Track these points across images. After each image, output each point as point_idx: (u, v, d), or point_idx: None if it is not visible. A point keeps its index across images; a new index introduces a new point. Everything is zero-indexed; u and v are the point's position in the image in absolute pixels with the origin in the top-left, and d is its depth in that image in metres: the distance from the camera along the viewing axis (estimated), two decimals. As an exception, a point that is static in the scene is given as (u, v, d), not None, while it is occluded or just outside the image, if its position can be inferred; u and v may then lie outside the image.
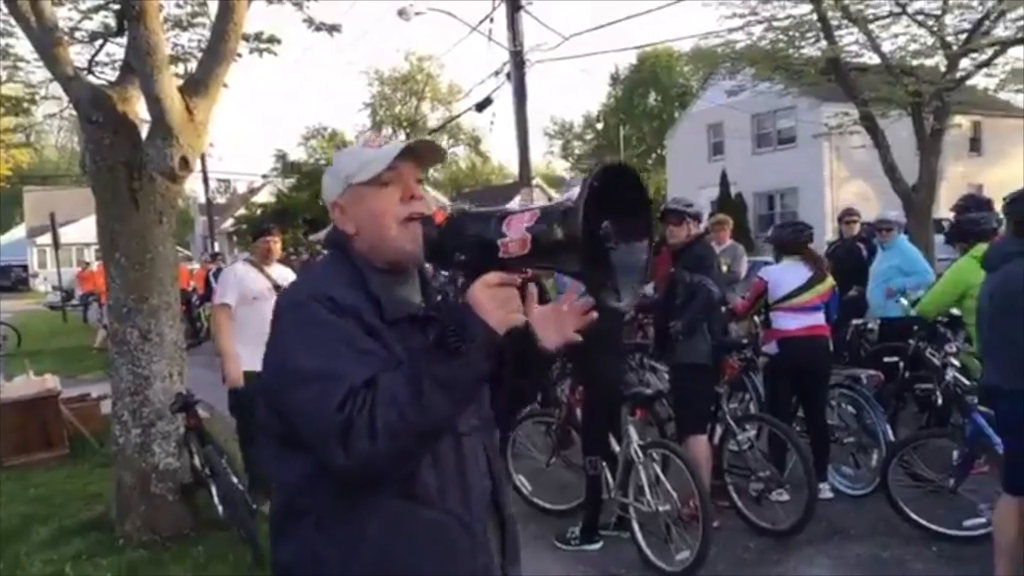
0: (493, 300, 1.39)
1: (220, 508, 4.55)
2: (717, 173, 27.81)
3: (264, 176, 36.99)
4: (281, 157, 34.06)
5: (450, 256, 1.49)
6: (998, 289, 3.44)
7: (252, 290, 5.20)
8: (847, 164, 23.96)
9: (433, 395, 1.33)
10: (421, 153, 1.60)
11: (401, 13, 16.83)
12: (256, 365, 5.44)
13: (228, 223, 38.33)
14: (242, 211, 36.78)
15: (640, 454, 4.42)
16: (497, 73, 15.97)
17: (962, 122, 21.40)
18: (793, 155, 26.07)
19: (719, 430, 5.03)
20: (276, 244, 5.49)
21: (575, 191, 1.40)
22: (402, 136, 58.19)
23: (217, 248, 27.34)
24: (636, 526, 4.44)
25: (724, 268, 6.33)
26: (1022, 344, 3.30)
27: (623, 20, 25.50)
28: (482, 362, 1.36)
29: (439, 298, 1.71)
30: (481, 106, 16.68)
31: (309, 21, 6.75)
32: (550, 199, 5.96)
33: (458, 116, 41.95)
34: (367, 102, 57.42)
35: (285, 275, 5.54)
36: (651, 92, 49.79)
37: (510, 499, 1.73)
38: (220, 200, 48.40)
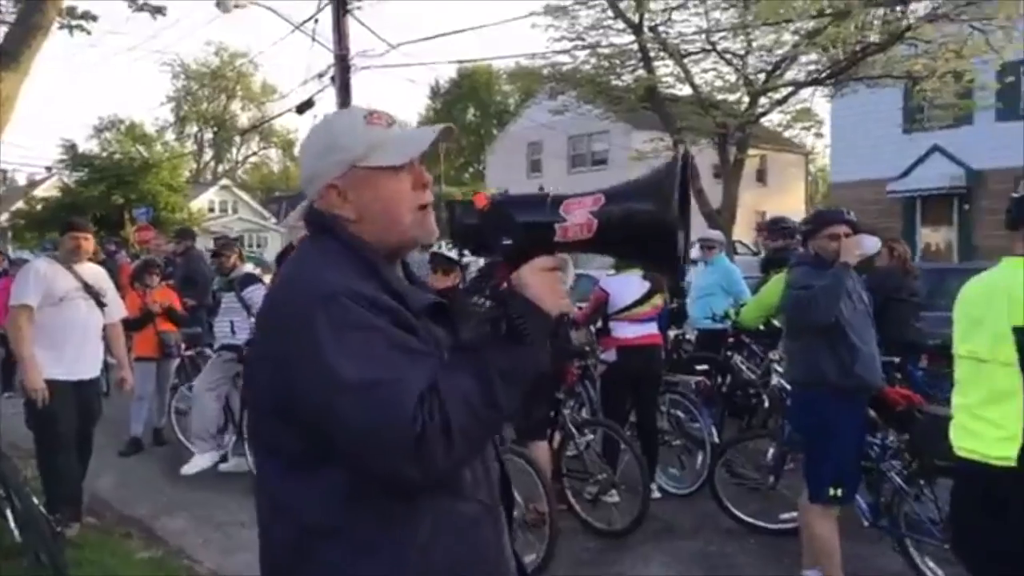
0: (545, 284, 1.35)
1: (16, 533, 4.01)
2: (534, 190, 28.67)
3: (49, 168, 33.68)
4: (70, 148, 31.20)
5: (493, 241, 1.40)
6: (785, 293, 3.88)
7: (59, 290, 4.70)
8: (653, 188, 25.61)
9: (503, 389, 1.27)
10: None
11: (219, 4, 15.94)
12: (60, 372, 4.89)
13: (3, 217, 34.49)
14: (20, 205, 33.31)
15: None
16: (321, 76, 15.56)
17: (752, 154, 23.56)
18: (606, 176, 27.40)
19: (558, 436, 5.13)
20: (87, 241, 4.99)
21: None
22: (209, 135, 55.18)
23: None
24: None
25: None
26: (801, 340, 3.78)
27: (452, 33, 25.69)
28: (543, 349, 1.31)
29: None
30: (302, 108, 16.15)
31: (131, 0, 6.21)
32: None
33: (276, 117, 40.37)
34: (170, 95, 54.01)
35: (97, 274, 5.05)
36: (470, 107, 50.62)
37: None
38: (-8, 191, 43.46)
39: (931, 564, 3.82)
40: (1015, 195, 3.02)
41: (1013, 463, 2.68)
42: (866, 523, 4.15)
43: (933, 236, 19.80)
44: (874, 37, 12.07)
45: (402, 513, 1.33)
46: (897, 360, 5.11)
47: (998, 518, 2.77)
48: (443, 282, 4.65)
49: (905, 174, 19.13)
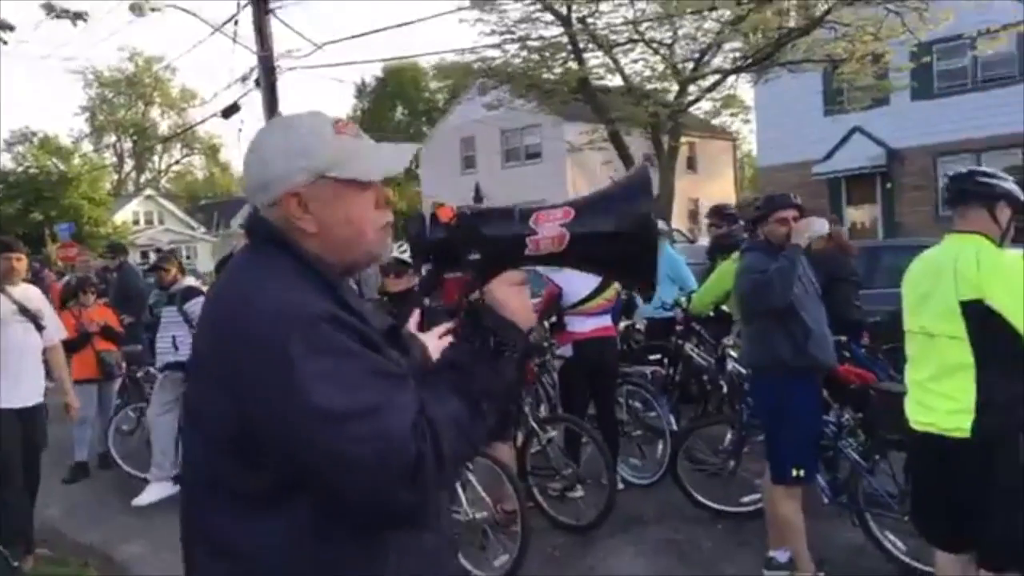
0: (517, 299, 1.34)
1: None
2: (469, 186, 28.64)
3: (-41, 186, 32.07)
4: (-19, 164, 29.86)
5: (460, 255, 1.36)
6: (739, 278, 3.95)
7: None
8: (587, 178, 25.83)
9: (485, 406, 1.27)
10: None
11: (134, 8, 15.41)
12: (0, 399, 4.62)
13: (-89, 240, 32.72)
14: (-70, 226, 31.69)
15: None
16: (244, 79, 15.17)
17: (682, 142, 23.99)
18: (540, 169, 27.55)
19: (520, 434, 5.13)
20: (19, 262, 4.77)
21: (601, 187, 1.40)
22: (129, 144, 53.38)
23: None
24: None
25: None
26: (756, 324, 3.83)
27: (381, 30, 25.08)
28: (515, 365, 1.30)
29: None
30: (228, 112, 15.75)
31: (48, 7, 5.94)
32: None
33: (200, 123, 39.34)
34: (84, 105, 52.15)
35: (32, 296, 4.84)
36: (398, 105, 50.10)
37: None
38: None
39: (891, 536, 3.94)
40: (951, 174, 3.14)
41: (967, 434, 2.79)
42: (826, 500, 4.26)
43: (858, 215, 20.47)
44: (793, 22, 12.41)
45: (368, 548, 1.28)
46: (844, 339, 5.26)
47: (954, 488, 2.89)
48: (396, 285, 4.58)
49: (828, 156, 19.72)
